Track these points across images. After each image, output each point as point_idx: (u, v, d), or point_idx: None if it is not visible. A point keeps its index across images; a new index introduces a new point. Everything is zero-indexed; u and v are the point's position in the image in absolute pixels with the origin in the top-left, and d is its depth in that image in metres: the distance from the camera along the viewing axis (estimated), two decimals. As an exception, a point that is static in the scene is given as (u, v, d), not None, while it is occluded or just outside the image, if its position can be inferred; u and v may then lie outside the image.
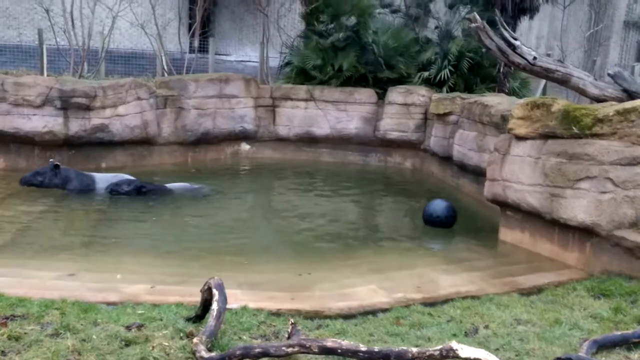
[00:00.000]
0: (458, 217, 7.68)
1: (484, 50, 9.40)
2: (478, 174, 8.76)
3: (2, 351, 3.30)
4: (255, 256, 6.19)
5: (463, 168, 9.71)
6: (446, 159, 10.52)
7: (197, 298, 4.04)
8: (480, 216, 8.16)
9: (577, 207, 5.61)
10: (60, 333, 3.59)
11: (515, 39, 6.73)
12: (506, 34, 6.70)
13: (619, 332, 3.95)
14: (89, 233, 6.79)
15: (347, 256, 6.37)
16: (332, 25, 12.54)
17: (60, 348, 3.36)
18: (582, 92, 6.95)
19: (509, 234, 6.73)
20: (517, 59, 6.73)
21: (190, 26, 15.84)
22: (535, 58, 6.71)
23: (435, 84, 12.13)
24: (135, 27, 14.59)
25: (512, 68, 10.39)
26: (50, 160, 8.95)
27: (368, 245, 6.92)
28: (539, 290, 5.12)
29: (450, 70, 12.01)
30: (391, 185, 10.64)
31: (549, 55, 13.86)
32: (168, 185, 8.83)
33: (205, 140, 11.70)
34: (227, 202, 8.70)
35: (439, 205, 7.60)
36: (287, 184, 10.50)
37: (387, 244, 7.06)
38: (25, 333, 3.55)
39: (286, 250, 6.61)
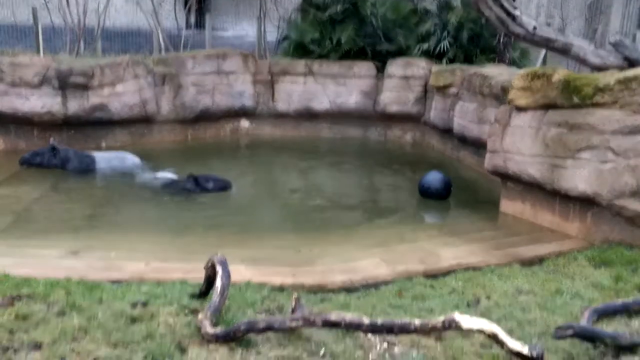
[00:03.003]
0: (459, 190, 7.70)
1: (483, 20, 9.31)
2: (478, 146, 8.74)
3: (10, 330, 3.34)
4: (258, 232, 6.22)
5: (463, 140, 9.69)
6: (446, 132, 10.49)
7: (200, 275, 4.07)
8: (481, 188, 8.17)
9: (578, 177, 5.61)
10: (67, 312, 3.63)
11: (515, 9, 6.65)
12: (505, 4, 6.61)
13: (619, 301, 3.99)
14: (90, 212, 6.81)
15: (349, 230, 6.40)
16: (330, -2, 12.37)
17: (67, 326, 3.39)
18: (582, 62, 6.88)
19: (509, 206, 6.75)
20: (517, 29, 6.66)
21: (186, 2, 15.64)
22: (535, 28, 6.63)
23: (434, 56, 12.01)
24: (130, 3, 14.42)
25: (512, 38, 10.28)
26: (51, 139, 8.94)
27: (369, 219, 6.95)
28: (540, 260, 5.16)
29: (449, 42, 11.88)
30: (391, 159, 10.62)
31: (549, 24, 13.72)
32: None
33: (205, 117, 11.63)
34: (228, 179, 8.68)
35: (433, 177, 7.62)
36: (287, 160, 10.48)
37: (389, 218, 7.08)
38: (32, 312, 3.58)
39: (288, 226, 6.64)
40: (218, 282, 3.71)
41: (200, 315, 3.48)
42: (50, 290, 3.95)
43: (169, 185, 7.94)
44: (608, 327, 3.70)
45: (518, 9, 6.67)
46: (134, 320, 3.57)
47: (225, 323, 3.52)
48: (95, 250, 5.28)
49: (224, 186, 7.94)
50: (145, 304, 3.80)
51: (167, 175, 8.34)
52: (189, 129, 11.53)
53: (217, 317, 3.54)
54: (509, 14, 6.57)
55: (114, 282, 4.35)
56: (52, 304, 3.75)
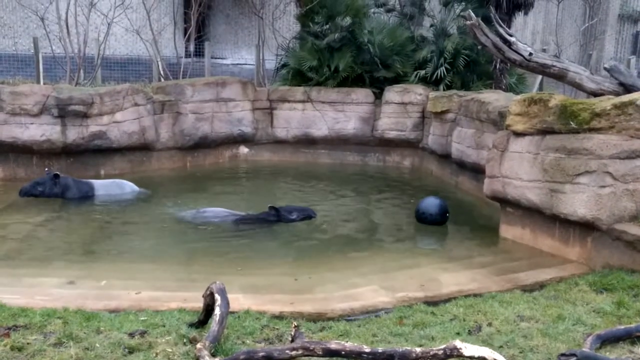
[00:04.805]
0: (459, 215, 7.68)
1: (479, 47, 9.41)
2: (477, 171, 8.76)
3: (6, 362, 3.30)
4: (257, 260, 6.18)
5: (462, 166, 9.71)
6: (445, 157, 10.52)
7: (199, 303, 4.04)
8: (480, 213, 8.16)
9: (577, 202, 5.61)
10: (64, 342, 3.59)
11: (511, 35, 6.74)
12: (501, 31, 6.70)
13: (622, 326, 3.95)
14: (89, 241, 6.78)
15: (348, 257, 6.36)
16: (328, 26, 12.53)
17: (64, 357, 3.36)
18: (578, 87, 6.95)
19: (509, 231, 6.73)
20: (513, 56, 6.73)
21: (185, 30, 15.84)
22: (531, 54, 6.71)
23: (431, 82, 12.14)
24: (130, 33, 14.60)
25: (509, 64, 10.39)
26: (46, 169, 8.93)
27: (369, 246, 6.91)
28: (541, 286, 5.12)
29: (446, 68, 12.02)
30: (390, 184, 10.63)
31: (544, 50, 13.89)
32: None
33: (204, 144, 11.69)
34: (226, 206, 8.67)
35: (429, 203, 7.62)
36: (286, 186, 10.48)
37: (388, 244, 7.05)
38: (28, 343, 3.55)
39: (287, 252, 6.60)
40: (217, 311, 3.68)
41: (198, 345, 3.44)
42: (47, 321, 3.91)
43: (245, 220, 7.58)
44: (611, 354, 3.66)
45: (513, 35, 6.75)
46: (131, 350, 3.53)
47: (224, 352, 3.48)
48: (93, 280, 5.24)
49: (308, 215, 7.83)
50: (143, 334, 3.76)
51: (218, 209, 7.82)
52: (188, 156, 11.57)
53: (215, 347, 3.50)
54: (504, 40, 6.65)
55: (111, 311, 4.31)
56: (48, 334, 3.71)
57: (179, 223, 7.54)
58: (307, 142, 12.42)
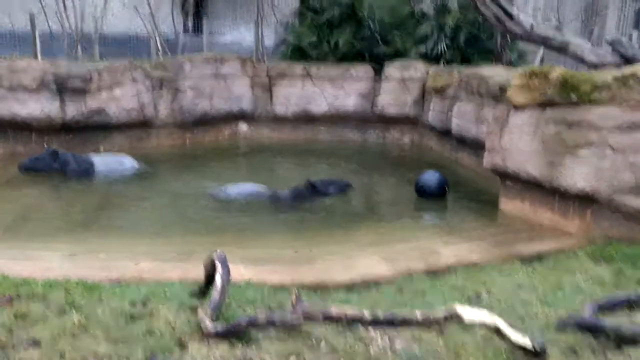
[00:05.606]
0: (459, 190, 7.70)
1: (480, 20, 9.33)
2: (477, 146, 8.74)
3: (9, 329, 3.32)
4: (258, 233, 6.21)
5: (462, 141, 9.69)
6: (445, 133, 10.49)
7: (200, 274, 4.05)
8: (480, 188, 8.16)
9: (577, 175, 5.61)
10: (66, 310, 3.60)
11: (512, 6, 6.68)
12: (503, 3, 6.64)
13: (621, 294, 3.97)
14: (89, 215, 6.79)
15: (349, 230, 6.38)
16: (327, 2, 12.40)
17: (67, 324, 3.37)
18: (580, 60, 6.91)
19: (509, 204, 6.74)
20: (515, 28, 6.69)
21: (183, 6, 15.68)
22: (532, 26, 6.66)
23: (432, 58, 12.05)
24: (128, 8, 14.45)
25: (510, 40, 10.32)
26: (45, 145, 8.92)
27: (369, 220, 6.94)
28: (540, 257, 5.15)
29: (446, 44, 11.94)
30: (390, 161, 10.63)
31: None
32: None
33: (203, 121, 11.63)
34: (227, 182, 8.68)
35: (428, 177, 7.66)
36: (286, 162, 10.48)
37: (389, 218, 7.09)
38: (31, 311, 3.56)
39: (288, 226, 6.63)
40: (218, 279, 3.69)
41: (200, 312, 3.46)
42: (49, 290, 3.92)
43: (281, 196, 7.53)
44: (610, 320, 3.68)
45: (515, 6, 6.70)
46: (133, 318, 3.55)
47: (226, 320, 3.50)
48: (94, 253, 5.25)
49: (344, 187, 7.96)
50: (145, 302, 3.77)
51: (248, 185, 7.78)
52: (188, 133, 11.52)
53: (217, 314, 3.52)
54: (506, 12, 6.60)
55: (113, 282, 4.33)
56: (51, 303, 3.72)
57: (184, 197, 7.54)
58: (306, 118, 12.35)
